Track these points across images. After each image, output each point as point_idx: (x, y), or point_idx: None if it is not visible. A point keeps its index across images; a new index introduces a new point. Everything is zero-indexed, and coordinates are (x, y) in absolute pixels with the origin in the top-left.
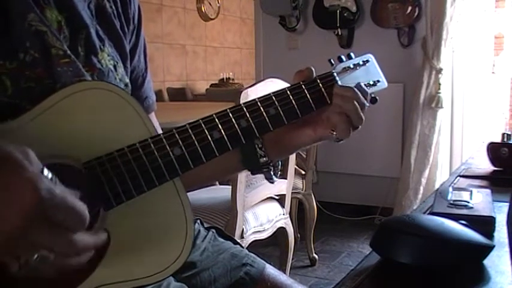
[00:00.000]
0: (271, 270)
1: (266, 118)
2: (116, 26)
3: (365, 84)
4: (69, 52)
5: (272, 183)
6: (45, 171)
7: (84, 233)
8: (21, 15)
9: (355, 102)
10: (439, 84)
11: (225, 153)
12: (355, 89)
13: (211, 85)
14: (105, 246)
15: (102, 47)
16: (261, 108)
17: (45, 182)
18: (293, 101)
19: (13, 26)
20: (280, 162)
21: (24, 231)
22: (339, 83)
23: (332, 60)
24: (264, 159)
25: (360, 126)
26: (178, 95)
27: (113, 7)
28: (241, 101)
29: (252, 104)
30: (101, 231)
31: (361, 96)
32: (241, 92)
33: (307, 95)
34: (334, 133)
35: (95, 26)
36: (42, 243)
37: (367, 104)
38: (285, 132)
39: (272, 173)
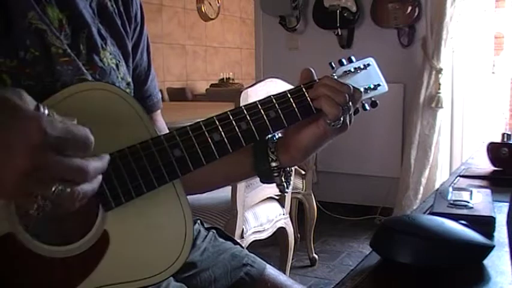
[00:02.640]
0: (271, 270)
1: (266, 121)
2: (118, 25)
3: (365, 88)
4: (69, 51)
5: (283, 192)
6: (41, 107)
7: (91, 158)
8: (21, 14)
9: (326, 84)
10: (439, 84)
11: (237, 158)
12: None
13: (211, 85)
14: (104, 247)
15: (104, 45)
16: (261, 111)
17: (45, 117)
18: (293, 104)
19: (13, 24)
20: (291, 174)
21: (36, 167)
22: None
23: (333, 64)
24: (275, 163)
25: (349, 101)
26: (178, 95)
27: (114, 6)
28: (241, 101)
29: (252, 107)
30: (103, 155)
31: (329, 79)
32: (241, 92)
33: (308, 98)
34: (328, 120)
35: (97, 25)
36: (56, 175)
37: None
38: (292, 137)
39: (284, 179)
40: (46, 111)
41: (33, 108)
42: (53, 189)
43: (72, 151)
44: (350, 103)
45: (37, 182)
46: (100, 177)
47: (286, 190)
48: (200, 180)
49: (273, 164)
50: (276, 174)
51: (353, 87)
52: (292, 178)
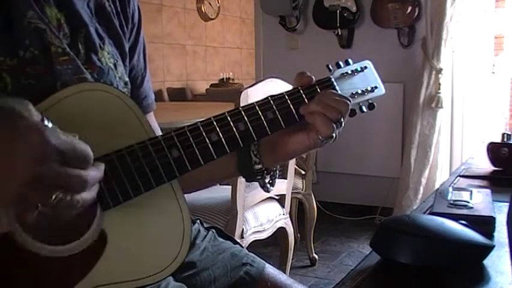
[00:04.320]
0: (271, 269)
1: (264, 122)
2: (115, 25)
3: (362, 90)
4: (68, 50)
5: (267, 192)
6: (45, 120)
7: (90, 168)
8: (20, 13)
9: (321, 101)
10: (439, 84)
11: (222, 159)
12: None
13: (211, 85)
14: (102, 247)
15: (102, 45)
16: (259, 112)
17: (48, 128)
18: (291, 106)
19: (13, 23)
20: (277, 172)
21: (37, 177)
22: (337, 88)
23: (330, 66)
24: (259, 166)
25: (343, 119)
26: (178, 95)
27: (112, 6)
28: (242, 101)
29: (250, 108)
30: (99, 163)
31: (331, 94)
32: (241, 92)
33: (305, 99)
34: (320, 137)
35: (95, 25)
36: (56, 183)
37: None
38: (280, 139)
39: (267, 181)
40: (50, 124)
41: (39, 120)
42: (53, 197)
43: (73, 164)
44: (342, 119)
45: (37, 191)
46: (97, 185)
47: (271, 189)
48: (186, 181)
49: (256, 167)
50: (259, 176)
51: (343, 97)
52: (276, 177)
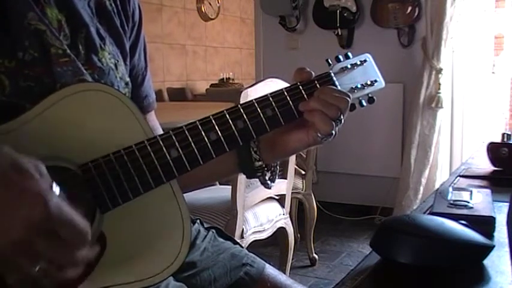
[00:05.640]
0: (270, 270)
1: (263, 119)
2: (116, 24)
3: (362, 84)
4: (68, 51)
5: (268, 188)
6: (54, 186)
7: (84, 248)
8: (20, 14)
9: (320, 98)
10: (439, 84)
11: (222, 157)
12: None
13: (211, 85)
14: (101, 250)
15: (102, 45)
16: (258, 109)
17: (55, 198)
18: (290, 102)
19: (12, 24)
20: (277, 168)
21: (29, 242)
22: (336, 83)
23: (330, 60)
24: (259, 163)
25: (342, 116)
26: (178, 95)
27: (113, 5)
28: (242, 101)
29: (249, 105)
30: (95, 244)
31: (330, 90)
32: (241, 92)
33: (305, 95)
34: (319, 134)
35: (96, 25)
36: (45, 255)
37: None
38: (279, 136)
39: (268, 178)
40: (58, 191)
41: (47, 186)
42: (37, 268)
43: (69, 240)
44: (342, 116)
45: (24, 255)
46: (85, 263)
47: (271, 185)
48: (185, 179)
49: (257, 164)
50: (259, 173)
51: (342, 93)
52: (276, 173)
